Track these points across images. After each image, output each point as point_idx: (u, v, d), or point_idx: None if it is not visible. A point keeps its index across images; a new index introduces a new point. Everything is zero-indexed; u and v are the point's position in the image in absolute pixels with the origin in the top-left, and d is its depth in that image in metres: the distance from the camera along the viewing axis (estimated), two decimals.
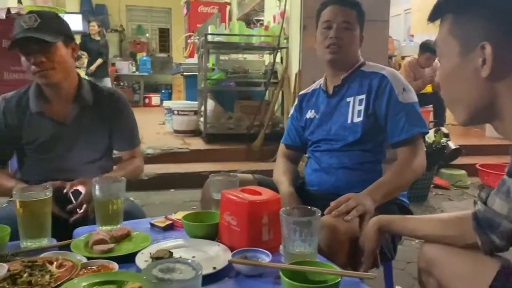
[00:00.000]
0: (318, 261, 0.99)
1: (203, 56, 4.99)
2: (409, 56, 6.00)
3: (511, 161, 0.86)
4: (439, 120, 5.19)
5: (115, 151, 1.80)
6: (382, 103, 1.52)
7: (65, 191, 1.48)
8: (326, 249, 1.17)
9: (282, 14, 4.87)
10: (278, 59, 5.03)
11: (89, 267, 1.03)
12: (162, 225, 1.34)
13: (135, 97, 11.14)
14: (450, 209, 3.62)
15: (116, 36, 12.02)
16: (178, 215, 1.36)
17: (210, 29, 5.58)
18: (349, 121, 1.57)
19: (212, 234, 1.21)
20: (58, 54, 1.52)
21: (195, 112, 5.55)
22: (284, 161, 1.77)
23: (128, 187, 1.37)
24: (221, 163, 4.50)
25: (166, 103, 6.38)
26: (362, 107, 1.55)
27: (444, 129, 3.99)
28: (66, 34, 1.56)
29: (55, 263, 1.01)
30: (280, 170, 1.70)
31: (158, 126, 6.35)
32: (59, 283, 0.93)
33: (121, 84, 10.91)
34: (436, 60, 4.97)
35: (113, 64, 10.68)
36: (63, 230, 1.35)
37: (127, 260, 1.07)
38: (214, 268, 1.00)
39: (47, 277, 0.95)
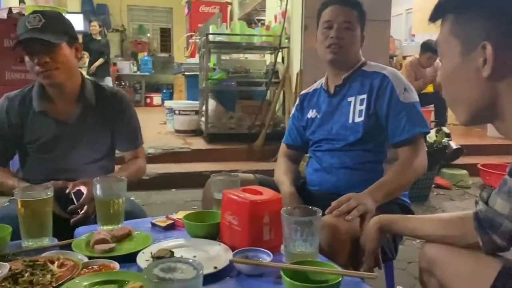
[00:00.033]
0: (319, 261, 0.99)
1: (204, 56, 4.99)
2: (410, 56, 5.99)
3: None
4: (441, 120, 5.18)
5: (117, 151, 1.80)
6: (383, 103, 1.52)
7: (67, 191, 1.48)
8: (327, 249, 1.17)
9: (283, 14, 4.87)
10: (279, 59, 5.03)
11: (90, 267, 1.03)
12: (163, 224, 1.34)
13: (137, 97, 11.14)
14: (451, 209, 3.61)
15: (117, 36, 12.02)
16: (179, 215, 1.36)
17: (211, 28, 5.59)
18: (350, 121, 1.57)
19: (213, 233, 1.21)
20: (62, 55, 1.52)
21: (196, 112, 5.56)
22: (285, 161, 1.77)
23: (129, 187, 1.37)
24: (222, 162, 4.51)
25: (168, 103, 6.39)
26: (363, 107, 1.55)
27: (445, 129, 3.99)
28: (70, 34, 1.56)
29: (56, 262, 1.01)
30: (281, 170, 1.70)
31: (160, 126, 6.36)
32: (60, 282, 0.93)
33: (123, 84, 10.92)
34: (437, 60, 4.96)
35: (115, 64, 10.69)
36: (64, 229, 1.35)
37: (128, 259, 1.07)
38: (215, 267, 1.00)
39: (49, 276, 0.95)
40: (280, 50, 4.93)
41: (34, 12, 1.51)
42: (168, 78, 11.19)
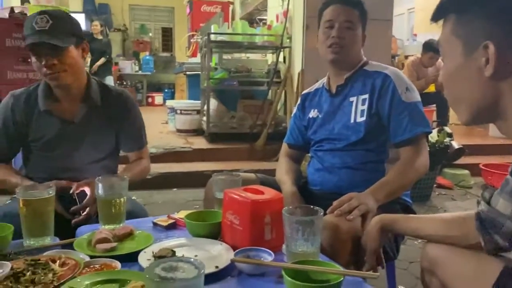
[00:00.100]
0: (320, 261, 0.99)
1: (206, 55, 4.99)
2: (412, 55, 5.99)
3: None
4: (442, 119, 5.18)
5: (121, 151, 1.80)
6: (385, 103, 1.51)
7: (71, 191, 1.48)
8: (328, 249, 1.18)
9: (285, 14, 4.87)
10: (281, 59, 5.02)
11: (91, 266, 1.03)
12: (165, 224, 1.34)
13: (138, 96, 11.13)
14: (453, 209, 3.61)
15: (119, 36, 12.02)
16: (181, 214, 1.36)
17: (213, 28, 5.58)
18: (352, 121, 1.56)
19: (215, 233, 1.21)
20: (70, 57, 1.52)
21: (198, 112, 5.56)
22: (287, 160, 1.77)
23: (130, 186, 1.37)
24: (223, 162, 4.50)
25: (169, 103, 6.39)
26: (365, 107, 1.54)
27: (447, 129, 3.98)
28: (77, 34, 1.55)
29: (58, 261, 1.02)
30: (282, 169, 1.70)
31: (161, 125, 6.36)
32: (62, 281, 0.93)
33: (124, 83, 10.92)
34: (439, 60, 4.96)
35: (116, 64, 10.68)
36: (66, 228, 1.35)
37: (130, 259, 1.07)
38: (217, 267, 1.00)
39: (50, 275, 0.95)
40: (282, 49, 4.93)
41: (41, 12, 1.50)
42: (169, 77, 11.20)
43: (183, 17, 11.74)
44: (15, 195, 1.25)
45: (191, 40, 8.34)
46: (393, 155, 1.54)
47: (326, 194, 1.55)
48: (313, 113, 1.71)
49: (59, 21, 1.49)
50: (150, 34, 12.83)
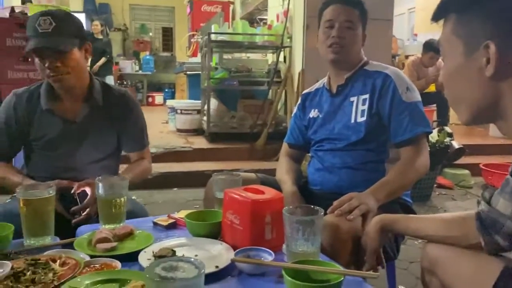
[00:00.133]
0: (321, 260, 0.99)
1: (206, 55, 4.99)
2: (412, 55, 5.98)
3: None
4: (443, 119, 5.17)
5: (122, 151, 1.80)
6: (385, 103, 1.51)
7: (72, 191, 1.48)
8: (328, 248, 1.18)
9: (286, 13, 4.86)
10: (281, 58, 5.02)
11: (92, 265, 1.03)
12: (165, 223, 1.34)
13: (138, 96, 11.12)
14: (454, 209, 3.61)
15: (119, 35, 12.03)
16: (181, 214, 1.36)
17: (214, 28, 5.58)
18: (352, 121, 1.56)
19: (215, 232, 1.21)
20: (73, 59, 1.52)
21: (198, 111, 5.56)
22: (287, 160, 1.77)
23: (131, 186, 1.37)
24: (224, 162, 4.50)
25: (169, 102, 6.39)
26: (365, 107, 1.54)
27: (447, 129, 3.98)
28: (80, 36, 1.55)
29: (58, 261, 1.02)
30: (283, 169, 1.70)
31: (161, 125, 6.36)
32: (62, 281, 0.93)
33: (125, 83, 10.92)
34: (440, 59, 4.95)
35: (117, 63, 10.68)
36: (66, 228, 1.35)
37: (130, 258, 1.07)
38: (217, 266, 1.00)
39: (50, 275, 0.95)
40: (282, 49, 4.93)
41: (44, 13, 1.49)
42: (170, 77, 11.20)
43: (183, 16, 11.74)
44: (15, 194, 1.24)
45: (192, 40, 8.34)
46: (393, 155, 1.54)
47: (326, 194, 1.55)
48: (313, 113, 1.71)
49: (63, 23, 1.49)
50: (151, 34, 12.83)
